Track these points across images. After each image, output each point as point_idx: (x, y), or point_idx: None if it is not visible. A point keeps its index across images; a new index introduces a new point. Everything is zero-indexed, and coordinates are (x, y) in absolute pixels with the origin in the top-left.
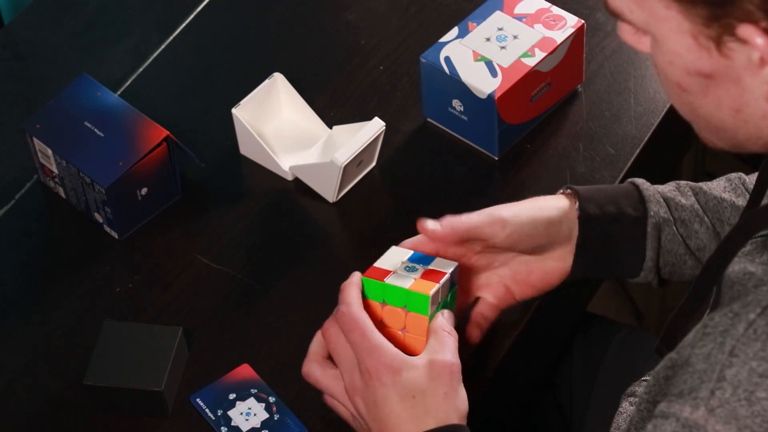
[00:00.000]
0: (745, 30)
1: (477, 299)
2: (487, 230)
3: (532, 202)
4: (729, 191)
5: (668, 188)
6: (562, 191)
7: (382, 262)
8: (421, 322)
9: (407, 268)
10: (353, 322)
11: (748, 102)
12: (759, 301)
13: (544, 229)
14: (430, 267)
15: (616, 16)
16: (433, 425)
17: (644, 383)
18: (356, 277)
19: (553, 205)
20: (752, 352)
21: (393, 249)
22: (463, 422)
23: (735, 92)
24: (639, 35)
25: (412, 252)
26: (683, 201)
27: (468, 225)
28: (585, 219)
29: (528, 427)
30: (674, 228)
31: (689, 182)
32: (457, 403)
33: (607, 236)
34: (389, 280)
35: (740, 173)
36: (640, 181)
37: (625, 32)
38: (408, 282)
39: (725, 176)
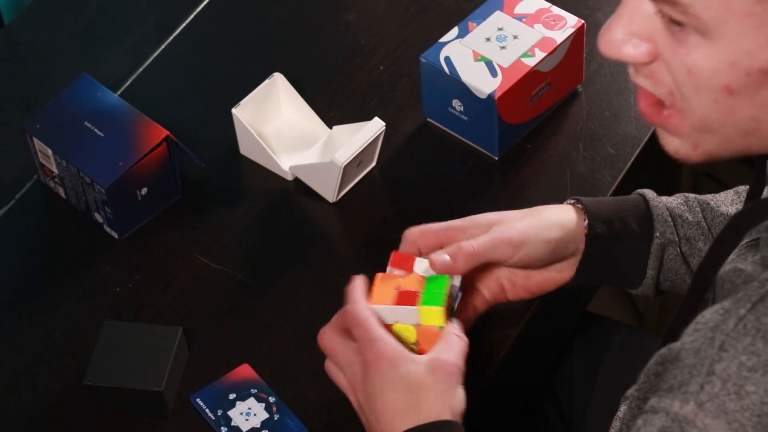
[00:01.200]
0: None
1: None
2: (499, 254)
3: (539, 218)
4: (737, 204)
5: (676, 202)
6: (568, 202)
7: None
8: (434, 333)
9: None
10: (357, 318)
11: None
12: (749, 296)
13: (553, 249)
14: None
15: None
16: (425, 420)
17: None
18: (359, 279)
19: (562, 222)
20: (742, 347)
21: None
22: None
23: None
24: (636, 41)
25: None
26: (690, 218)
27: (479, 253)
28: (592, 237)
29: (528, 427)
30: (678, 248)
31: (698, 196)
32: (453, 403)
33: (611, 253)
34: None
35: (747, 186)
36: (650, 196)
37: (612, 43)
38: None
39: (733, 189)
